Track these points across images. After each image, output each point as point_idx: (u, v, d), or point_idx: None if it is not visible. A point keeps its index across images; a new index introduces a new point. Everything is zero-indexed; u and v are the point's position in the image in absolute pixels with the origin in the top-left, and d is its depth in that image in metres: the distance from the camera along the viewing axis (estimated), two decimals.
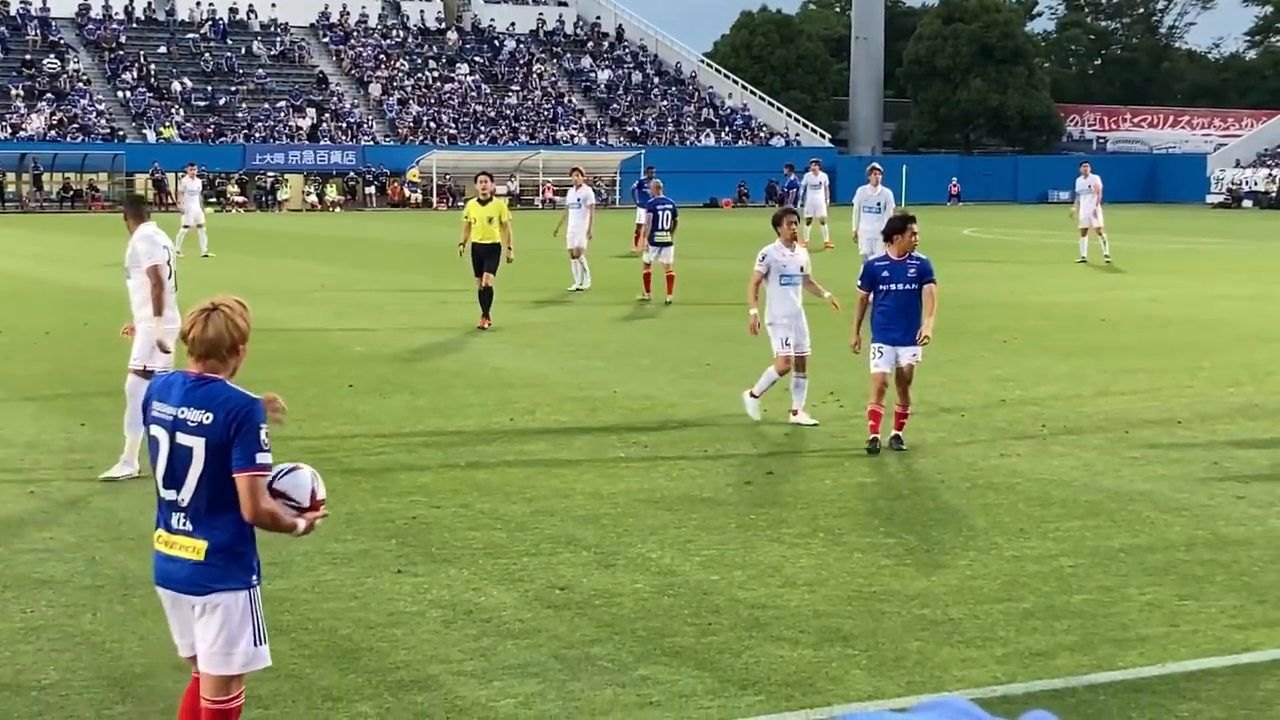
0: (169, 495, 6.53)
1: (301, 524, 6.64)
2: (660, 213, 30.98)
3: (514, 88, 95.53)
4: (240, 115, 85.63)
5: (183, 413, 6.43)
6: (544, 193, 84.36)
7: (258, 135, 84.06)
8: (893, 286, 15.02)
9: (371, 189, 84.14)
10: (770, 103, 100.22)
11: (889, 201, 31.24)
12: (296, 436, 15.71)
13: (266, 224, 64.15)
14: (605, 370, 20.36)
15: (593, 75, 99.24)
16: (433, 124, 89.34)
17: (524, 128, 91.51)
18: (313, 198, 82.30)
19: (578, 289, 31.95)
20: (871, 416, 15.01)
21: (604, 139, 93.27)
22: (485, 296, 25.14)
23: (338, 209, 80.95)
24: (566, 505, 12.58)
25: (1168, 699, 8.19)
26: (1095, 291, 32.25)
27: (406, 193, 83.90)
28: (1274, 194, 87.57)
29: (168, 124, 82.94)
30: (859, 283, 15.34)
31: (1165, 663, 8.78)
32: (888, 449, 14.94)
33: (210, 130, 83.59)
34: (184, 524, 6.51)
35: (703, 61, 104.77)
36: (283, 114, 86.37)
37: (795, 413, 16.53)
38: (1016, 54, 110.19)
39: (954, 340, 23.09)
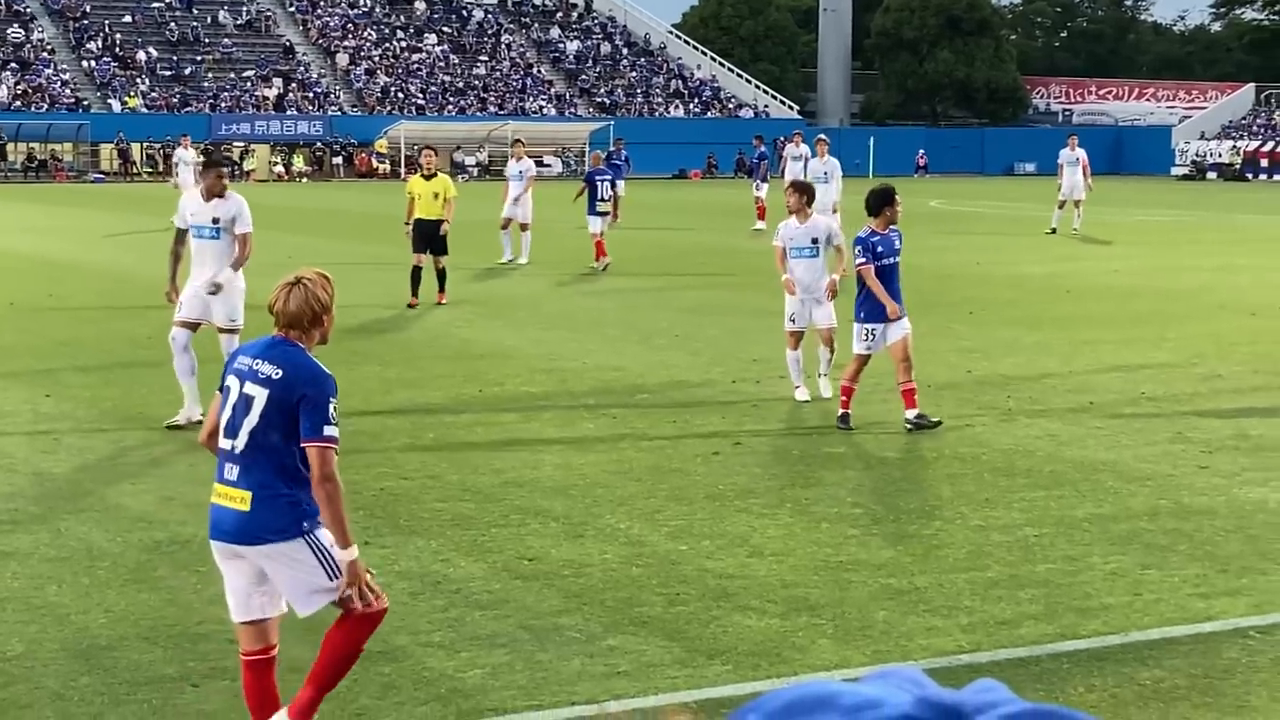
0: (227, 444, 6.79)
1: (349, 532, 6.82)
2: (599, 183, 31.39)
3: (482, 58, 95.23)
4: (206, 85, 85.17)
5: (257, 364, 6.78)
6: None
7: (224, 105, 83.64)
8: (885, 261, 14.61)
9: (339, 159, 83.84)
10: (739, 74, 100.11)
11: (835, 172, 31.22)
12: None
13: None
14: (574, 341, 20.36)
15: (561, 46, 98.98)
16: (400, 94, 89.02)
17: (492, 98, 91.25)
18: (279, 168, 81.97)
19: (510, 260, 31.40)
20: (844, 393, 14.91)
21: (573, 110, 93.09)
22: (440, 276, 24.31)
23: (305, 179, 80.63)
24: (535, 476, 12.60)
25: (1130, 667, 8.25)
26: (1061, 263, 32.34)
27: (374, 163, 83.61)
28: (1238, 166, 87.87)
29: (133, 94, 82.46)
30: (863, 258, 14.48)
31: (1128, 631, 8.85)
32: (915, 429, 14.46)
33: (176, 100, 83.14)
34: (233, 474, 6.75)
35: (671, 33, 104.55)
36: (249, 84, 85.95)
37: (821, 375, 16.26)
38: (983, 26, 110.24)
39: (922, 312, 23.11)
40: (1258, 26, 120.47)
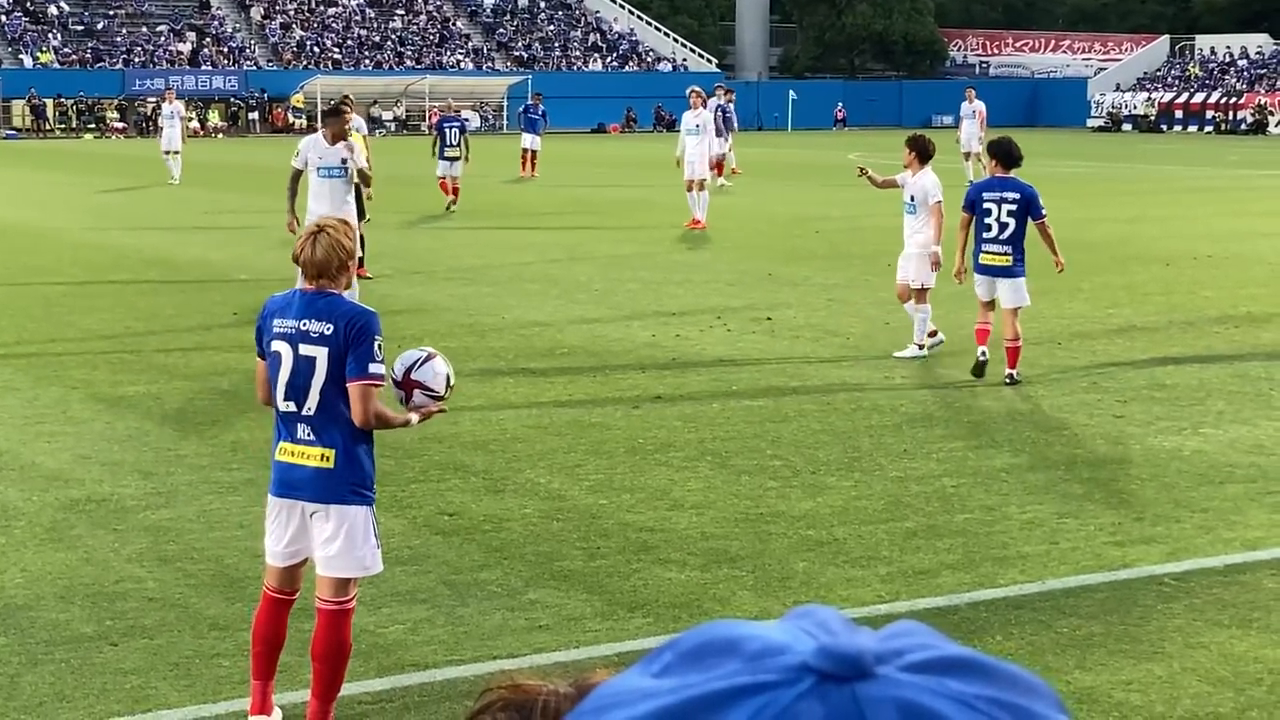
0: (289, 407, 6.81)
1: (415, 418, 7.05)
2: (447, 130, 32.64)
3: (399, 12, 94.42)
4: (119, 40, 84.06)
5: (305, 324, 6.79)
6: (430, 118, 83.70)
7: (137, 60, 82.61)
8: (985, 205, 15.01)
9: (255, 115, 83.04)
10: (657, 27, 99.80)
11: (708, 125, 31.29)
12: (180, 364, 15.58)
13: (147, 150, 63.12)
14: (493, 296, 20.30)
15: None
16: (316, 48, 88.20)
17: (409, 52, 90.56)
18: (194, 124, 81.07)
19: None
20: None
21: (490, 64, 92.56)
22: (359, 244, 23.59)
23: (220, 135, 79.85)
24: (454, 431, 12.56)
25: (1047, 615, 8.35)
26: None
27: (290, 118, 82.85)
28: (1153, 118, 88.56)
29: (44, 49, 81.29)
30: (1042, 211, 14.73)
31: (1045, 580, 8.94)
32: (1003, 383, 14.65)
33: (89, 55, 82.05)
34: (308, 434, 6.79)
35: None
36: (163, 38, 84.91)
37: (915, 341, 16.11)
38: None
39: (839, 264, 23.25)
40: None
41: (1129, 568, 9.17)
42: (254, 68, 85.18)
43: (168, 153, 42.34)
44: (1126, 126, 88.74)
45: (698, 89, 32.26)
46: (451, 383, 7.22)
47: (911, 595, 8.66)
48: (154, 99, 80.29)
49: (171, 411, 13.42)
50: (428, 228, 29.90)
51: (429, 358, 7.15)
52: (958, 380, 14.76)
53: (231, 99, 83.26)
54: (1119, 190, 40.54)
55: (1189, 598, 8.62)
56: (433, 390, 7.08)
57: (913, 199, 15.96)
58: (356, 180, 18.40)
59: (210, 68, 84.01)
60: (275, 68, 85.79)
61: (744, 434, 12.60)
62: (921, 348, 15.95)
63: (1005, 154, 14.85)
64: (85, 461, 11.68)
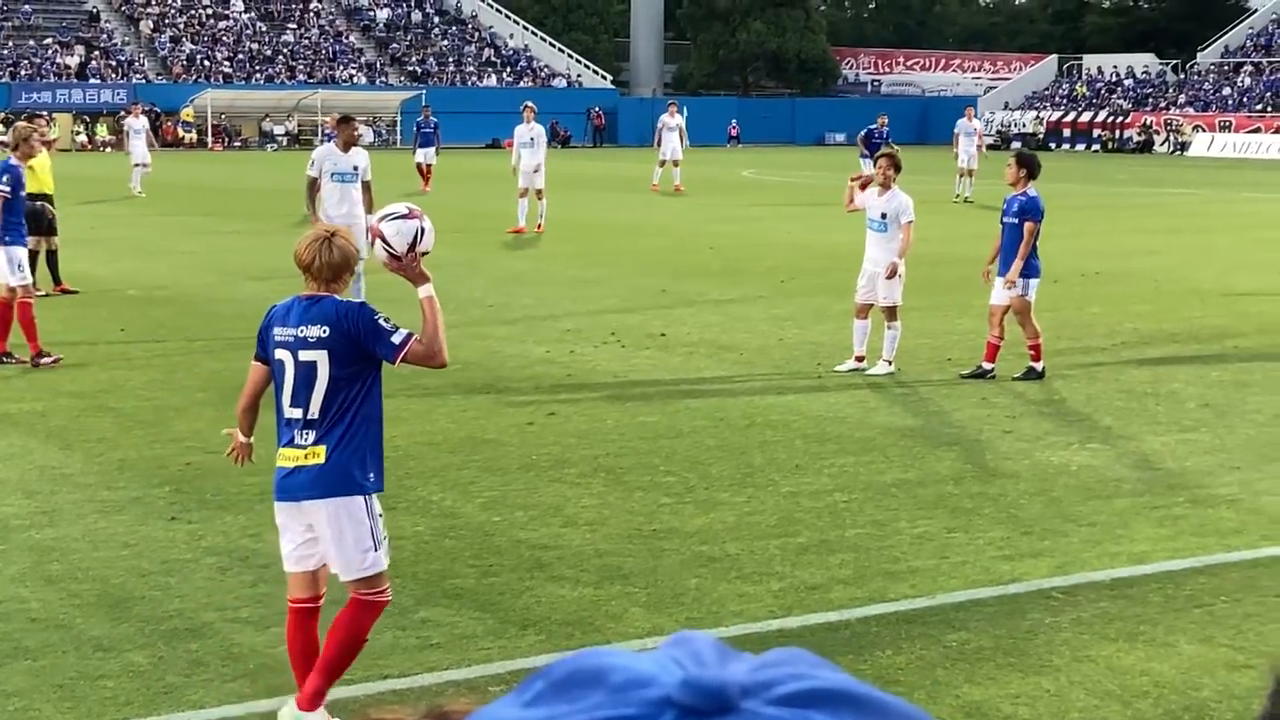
0: (295, 413, 6.95)
1: (430, 290, 7.54)
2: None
3: (290, 25, 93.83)
4: (5, 53, 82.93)
5: (302, 331, 6.96)
6: (323, 132, 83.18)
7: (24, 73, 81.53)
8: (1003, 220, 16.35)
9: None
10: (551, 44, 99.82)
11: (541, 138, 32.24)
12: (66, 381, 15.37)
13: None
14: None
15: (371, 14, 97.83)
16: (207, 62, 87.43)
17: (301, 67, 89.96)
18: (82, 137, 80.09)
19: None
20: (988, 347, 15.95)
21: (384, 79, 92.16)
22: (53, 260, 22.28)
23: (109, 149, 78.88)
24: None
25: (937, 629, 8.40)
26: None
27: (180, 132, 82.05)
28: (1041, 136, 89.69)
29: None
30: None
31: (935, 594, 9.00)
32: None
33: None
34: (307, 438, 6.91)
35: (484, 1, 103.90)
36: (50, 51, 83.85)
37: (860, 359, 16.13)
38: None
39: (733, 280, 23.33)
40: None
41: (1018, 581, 9.25)
42: (143, 81, 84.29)
43: (136, 165, 42.72)
44: (1016, 144, 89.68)
45: (530, 104, 33.48)
46: (420, 248, 7.66)
47: (803, 610, 8.69)
48: (41, 113, 79.13)
49: (56, 429, 13.22)
50: None
51: (430, 232, 7.73)
52: (847, 397, 14.84)
53: (120, 112, 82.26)
54: None
55: (1076, 611, 8.71)
56: (391, 248, 7.52)
57: (884, 216, 16.07)
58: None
59: (99, 81, 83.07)
60: (165, 81, 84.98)
61: (638, 450, 12.59)
62: (890, 363, 15.99)
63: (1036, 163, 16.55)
64: None
